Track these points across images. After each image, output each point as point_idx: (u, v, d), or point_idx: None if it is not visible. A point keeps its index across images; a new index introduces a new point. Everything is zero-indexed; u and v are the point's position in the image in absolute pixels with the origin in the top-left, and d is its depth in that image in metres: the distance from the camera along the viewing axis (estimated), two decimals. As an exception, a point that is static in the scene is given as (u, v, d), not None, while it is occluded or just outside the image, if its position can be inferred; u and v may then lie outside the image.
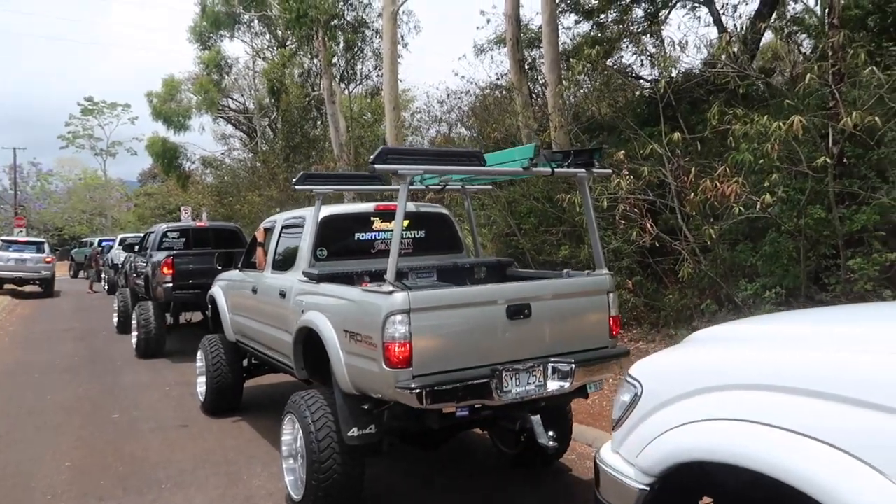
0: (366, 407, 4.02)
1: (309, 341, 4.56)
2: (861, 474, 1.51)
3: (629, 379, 2.34)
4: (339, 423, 4.08)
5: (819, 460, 1.58)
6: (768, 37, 14.00)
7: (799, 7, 16.72)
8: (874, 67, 6.03)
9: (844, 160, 6.99)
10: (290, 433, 4.52)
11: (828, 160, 6.09)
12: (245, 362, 6.77)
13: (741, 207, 6.21)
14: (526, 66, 14.39)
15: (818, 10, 9.50)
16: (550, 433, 3.94)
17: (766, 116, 6.22)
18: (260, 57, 28.92)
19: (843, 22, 8.05)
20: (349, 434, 4.01)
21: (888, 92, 6.17)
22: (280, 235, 5.66)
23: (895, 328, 2.01)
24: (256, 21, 26.42)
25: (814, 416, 1.64)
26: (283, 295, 5.05)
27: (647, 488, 2.06)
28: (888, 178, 6.55)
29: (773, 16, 13.83)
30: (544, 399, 4.01)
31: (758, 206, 6.13)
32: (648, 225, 7.28)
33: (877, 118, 5.72)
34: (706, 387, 1.94)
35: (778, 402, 1.73)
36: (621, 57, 15.58)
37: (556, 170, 4.45)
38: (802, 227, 6.61)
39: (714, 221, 7.20)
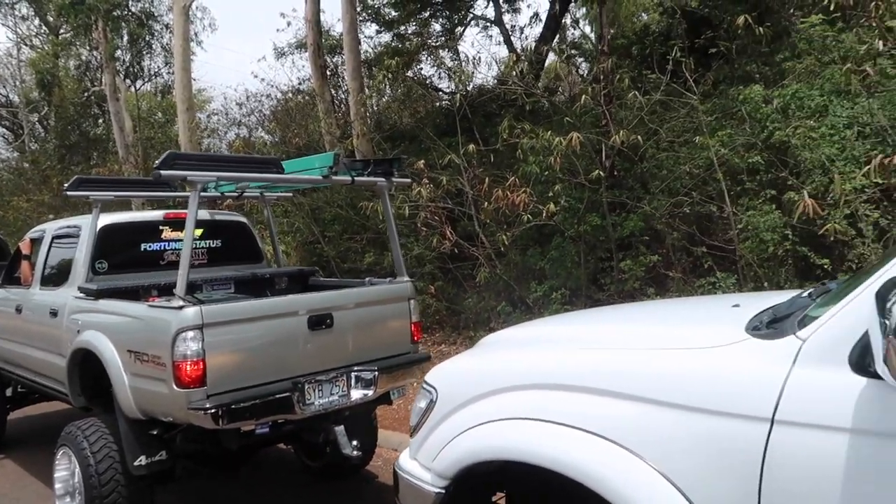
0: (155, 432, 3.72)
1: (86, 364, 4.12)
2: (623, 459, 1.69)
3: (425, 385, 2.41)
4: (123, 453, 3.74)
5: (585, 450, 1.74)
6: (553, 58, 15.28)
7: (578, 33, 18.44)
8: (636, 92, 6.80)
9: (616, 173, 7.82)
10: (66, 468, 4.05)
11: (601, 173, 6.76)
12: (8, 391, 5.96)
13: (529, 216, 6.69)
14: (328, 73, 14.29)
15: (593, 37, 10.54)
16: (354, 443, 3.94)
17: (549, 132, 6.75)
18: (27, 45, 25.72)
19: (611, 49, 9.02)
20: (136, 463, 3.68)
21: (647, 114, 7.01)
22: (50, 247, 5.06)
23: (654, 327, 2.28)
24: (25, 3, 23.44)
25: (582, 409, 1.81)
26: (54, 314, 4.51)
27: (443, 491, 2.13)
28: (650, 189, 7.43)
29: (556, 39, 15.14)
30: (348, 409, 3.99)
31: (544, 214, 6.63)
32: (448, 232, 7.57)
33: (639, 137, 6.47)
34: (493, 389, 2.05)
35: (552, 399, 1.88)
36: (421, 69, 16.10)
37: (356, 179, 4.47)
38: (582, 233, 7.28)
39: (507, 228, 7.67)
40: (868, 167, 4.30)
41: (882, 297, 1.30)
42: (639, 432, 1.71)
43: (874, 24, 4.96)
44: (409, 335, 4.45)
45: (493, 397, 2.05)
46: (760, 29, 6.31)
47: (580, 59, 16.41)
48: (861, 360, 1.44)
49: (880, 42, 4.84)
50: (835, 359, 1.48)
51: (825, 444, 1.43)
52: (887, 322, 1.25)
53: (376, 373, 4.02)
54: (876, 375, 1.40)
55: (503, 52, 16.92)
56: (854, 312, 1.48)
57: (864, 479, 1.38)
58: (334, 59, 16.85)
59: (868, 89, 5.95)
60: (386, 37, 17.36)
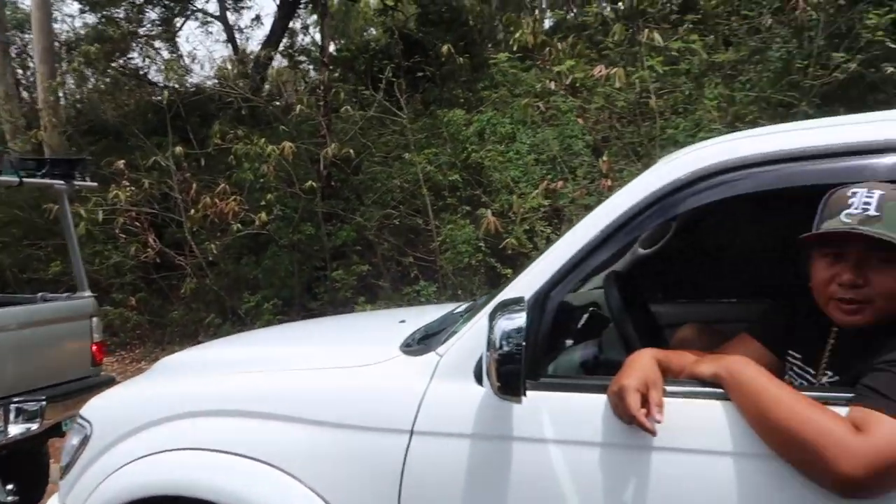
0: None
1: None
2: (280, 482, 1.70)
3: (79, 420, 2.17)
4: None
5: (242, 476, 1.72)
6: (282, 62, 15.05)
7: (308, 39, 18.38)
8: (349, 106, 6.99)
9: (333, 184, 7.95)
10: None
11: (315, 183, 6.81)
12: None
13: (239, 225, 6.48)
14: (12, 51, 12.35)
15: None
16: (10, 486, 3.42)
17: (263, 139, 6.62)
18: None
19: (335, 61, 9.18)
20: None
21: (362, 128, 7.26)
22: None
23: (317, 347, 2.33)
24: None
25: (239, 435, 1.78)
26: None
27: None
28: (364, 201, 7.69)
29: (283, 43, 14.91)
30: (5, 447, 3.46)
31: (256, 223, 6.48)
32: (151, 239, 7.00)
33: (351, 150, 6.65)
34: (152, 420, 1.92)
35: (209, 426, 1.83)
36: (132, 59, 14.71)
37: (24, 180, 3.92)
38: (297, 243, 7.26)
39: (220, 236, 7.35)
40: (537, 190, 4.94)
41: (492, 315, 1.48)
42: (294, 453, 1.72)
43: (547, 67, 5.73)
44: (90, 357, 4.01)
45: (151, 429, 1.92)
46: (460, 59, 6.91)
47: (310, 67, 16.42)
48: (481, 373, 1.62)
49: (552, 83, 5.60)
50: (463, 372, 1.65)
51: (452, 451, 1.59)
52: (491, 336, 1.43)
53: (43, 403, 3.54)
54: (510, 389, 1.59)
55: (226, 51, 16.22)
56: (479, 329, 1.66)
57: (484, 481, 1.55)
58: (25, 36, 14.62)
59: (546, 121, 6.88)
60: (92, 18, 15.54)
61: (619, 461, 1.46)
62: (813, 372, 1.56)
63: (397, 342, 1.96)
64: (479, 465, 1.56)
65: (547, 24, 11.81)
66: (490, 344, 1.41)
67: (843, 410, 1.28)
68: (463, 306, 2.45)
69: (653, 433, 1.37)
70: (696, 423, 1.42)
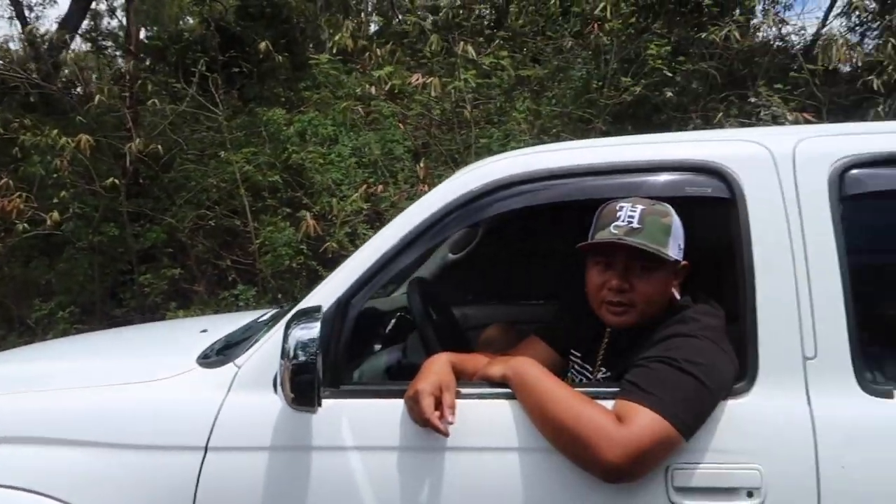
0: None
1: None
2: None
3: None
4: None
5: None
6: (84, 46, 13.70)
7: (115, 23, 16.89)
8: (156, 99, 6.54)
9: (140, 181, 7.38)
10: None
11: (118, 180, 6.29)
12: None
13: (25, 224, 5.80)
14: None
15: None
16: None
17: (56, 130, 5.99)
18: None
19: (144, 49, 8.53)
20: None
21: (173, 124, 6.82)
22: None
23: (105, 361, 2.16)
24: None
25: (10, 463, 1.60)
26: None
27: None
28: (176, 200, 7.22)
29: (85, 25, 13.57)
30: None
31: (48, 223, 5.84)
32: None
33: (160, 146, 6.22)
34: None
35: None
36: None
37: None
38: (97, 244, 6.65)
39: (3, 237, 6.53)
40: (357, 193, 4.95)
41: (287, 325, 1.46)
42: (76, 479, 1.58)
43: (367, 72, 5.76)
44: None
45: None
46: (280, 57, 6.74)
47: (115, 54, 15.07)
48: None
49: (372, 87, 5.64)
50: (261, 384, 1.61)
51: (250, 465, 1.55)
52: (285, 346, 1.41)
53: None
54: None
55: (14, 31, 14.48)
56: (277, 339, 1.63)
57: (283, 493, 1.53)
58: None
59: (368, 125, 6.90)
60: None
61: (416, 464, 1.51)
62: (591, 369, 1.72)
63: (195, 353, 1.87)
64: (277, 478, 1.54)
65: (373, 27, 11.91)
66: (284, 354, 1.40)
67: (611, 404, 1.42)
68: (268, 314, 2.40)
69: (445, 434, 1.43)
70: (486, 423, 1.50)
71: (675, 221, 1.56)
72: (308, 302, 1.64)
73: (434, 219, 1.65)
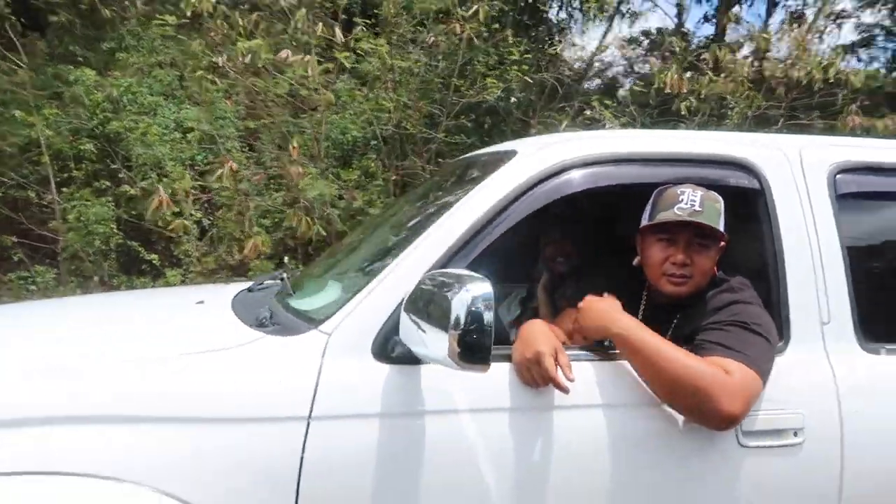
0: None
1: None
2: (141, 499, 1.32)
3: None
4: None
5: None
6: None
7: None
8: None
9: None
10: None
11: None
12: None
13: None
14: None
15: None
16: None
17: None
18: None
19: None
20: None
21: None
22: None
23: (142, 330, 1.85)
24: None
25: (81, 446, 1.33)
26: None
27: None
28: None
29: None
30: None
31: None
32: None
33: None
34: None
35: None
36: None
37: None
38: None
39: None
40: (221, 171, 4.60)
41: (439, 286, 1.41)
42: (161, 461, 1.37)
43: (213, 39, 5.35)
44: None
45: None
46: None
47: None
48: (383, 349, 1.55)
49: (225, 58, 5.25)
50: (360, 350, 1.54)
51: (359, 433, 1.48)
52: (452, 308, 1.34)
53: None
54: (395, 361, 1.54)
55: None
56: (373, 306, 1.58)
57: (395, 458, 1.49)
58: None
59: (191, 98, 6.38)
60: None
61: (528, 423, 1.56)
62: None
63: (240, 322, 1.71)
64: (391, 443, 1.49)
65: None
66: (453, 317, 1.34)
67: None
68: (267, 281, 2.24)
69: (567, 391, 1.52)
70: (591, 381, 1.61)
71: (723, 206, 1.82)
72: (403, 266, 1.60)
73: (519, 192, 1.72)
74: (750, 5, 11.33)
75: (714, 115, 6.69)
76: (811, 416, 1.70)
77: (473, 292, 1.34)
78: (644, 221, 1.83)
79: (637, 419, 1.62)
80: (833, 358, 1.77)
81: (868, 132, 6.17)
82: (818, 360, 1.76)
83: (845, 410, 1.72)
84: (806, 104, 6.31)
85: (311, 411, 1.46)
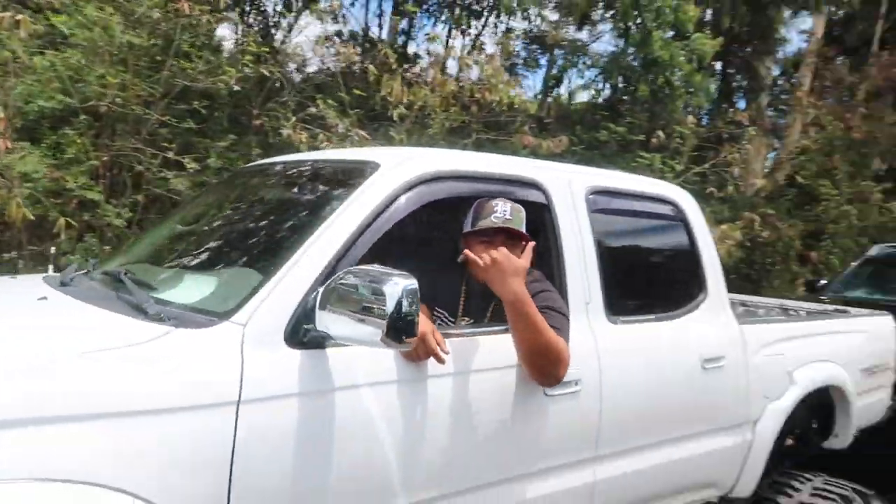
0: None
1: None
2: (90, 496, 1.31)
3: None
4: None
5: None
6: None
7: None
8: None
9: None
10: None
11: None
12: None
13: None
14: None
15: None
16: None
17: None
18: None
19: None
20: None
21: None
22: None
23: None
24: None
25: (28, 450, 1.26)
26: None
27: None
28: None
29: None
30: None
31: None
32: None
33: None
34: None
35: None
36: None
37: None
38: None
39: None
40: None
41: (375, 280, 1.64)
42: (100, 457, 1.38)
43: None
44: None
45: None
46: None
47: None
48: (294, 337, 1.73)
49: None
50: (274, 338, 1.70)
51: (282, 412, 1.65)
52: (386, 297, 1.60)
53: None
54: (306, 346, 1.74)
55: None
56: (280, 299, 1.74)
57: (311, 435, 1.69)
58: None
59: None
60: None
61: (414, 391, 1.90)
62: (453, 321, 2.35)
63: (125, 317, 1.72)
64: (311, 420, 1.69)
65: None
66: (389, 303, 1.60)
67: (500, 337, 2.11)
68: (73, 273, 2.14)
69: (444, 362, 1.91)
70: (457, 353, 2.01)
71: (524, 215, 2.36)
72: (296, 269, 1.79)
73: (390, 199, 2.02)
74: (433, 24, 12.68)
75: (418, 123, 7.54)
76: (583, 371, 2.34)
77: (401, 285, 1.63)
78: (467, 228, 2.28)
79: (489, 381, 2.07)
80: (594, 328, 2.45)
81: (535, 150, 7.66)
82: (584, 330, 2.42)
83: (602, 365, 2.41)
84: (492, 122, 7.52)
85: (239, 396, 1.59)
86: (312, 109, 6.54)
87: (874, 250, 7.27)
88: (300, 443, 1.67)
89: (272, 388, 1.66)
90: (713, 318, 2.91)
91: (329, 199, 2.05)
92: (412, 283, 1.64)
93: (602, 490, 2.41)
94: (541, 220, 2.45)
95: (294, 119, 6.01)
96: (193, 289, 1.94)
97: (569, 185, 2.55)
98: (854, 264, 7.36)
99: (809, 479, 3.19)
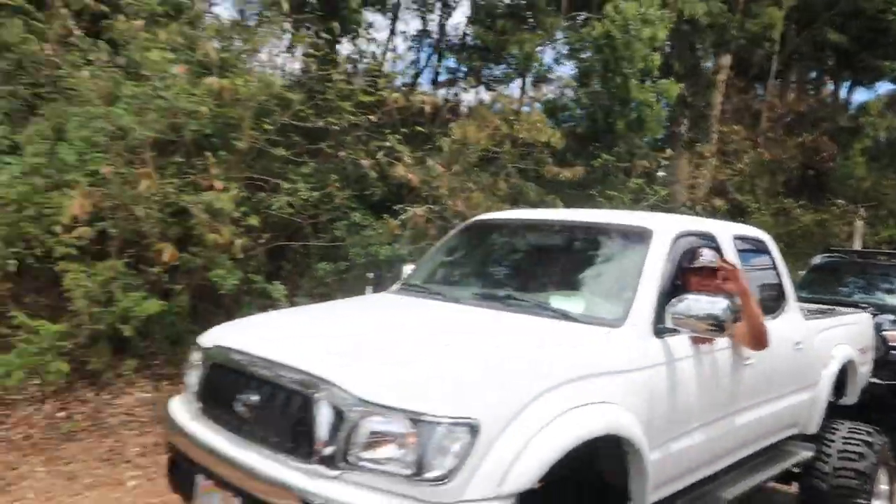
0: None
1: None
2: (619, 412, 2.68)
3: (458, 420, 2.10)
4: None
5: (593, 418, 2.63)
6: None
7: None
8: None
9: None
10: None
11: None
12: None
13: None
14: None
15: None
16: None
17: None
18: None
19: None
20: None
21: None
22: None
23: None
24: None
25: (596, 391, 2.67)
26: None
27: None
28: None
29: None
30: None
31: None
32: None
33: None
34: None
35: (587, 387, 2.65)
36: None
37: None
38: None
39: None
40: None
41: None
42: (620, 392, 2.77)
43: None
44: None
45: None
46: None
47: None
48: (655, 332, 3.10)
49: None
50: (649, 333, 3.07)
51: (660, 372, 3.03)
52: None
53: None
54: (660, 336, 3.10)
55: None
56: (645, 310, 3.11)
57: (672, 381, 3.08)
58: None
59: None
60: None
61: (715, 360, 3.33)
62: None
63: (563, 322, 3.07)
64: (670, 375, 3.09)
65: None
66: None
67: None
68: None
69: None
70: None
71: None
72: (641, 298, 3.17)
73: (668, 255, 3.44)
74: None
75: (458, 152, 8.87)
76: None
77: (724, 303, 3.05)
78: (684, 264, 3.67)
79: (724, 355, 3.50)
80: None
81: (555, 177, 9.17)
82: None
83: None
84: (523, 153, 8.99)
85: (645, 364, 2.96)
86: (386, 143, 7.73)
87: (817, 259, 9.14)
88: (669, 385, 3.06)
89: (656, 358, 3.04)
90: (794, 317, 4.47)
91: (632, 251, 3.44)
92: (726, 302, 3.06)
93: (758, 422, 3.90)
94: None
95: (407, 156, 7.25)
96: (566, 303, 3.26)
97: (725, 233, 4.02)
98: (801, 273, 9.26)
99: (843, 423, 4.81)
